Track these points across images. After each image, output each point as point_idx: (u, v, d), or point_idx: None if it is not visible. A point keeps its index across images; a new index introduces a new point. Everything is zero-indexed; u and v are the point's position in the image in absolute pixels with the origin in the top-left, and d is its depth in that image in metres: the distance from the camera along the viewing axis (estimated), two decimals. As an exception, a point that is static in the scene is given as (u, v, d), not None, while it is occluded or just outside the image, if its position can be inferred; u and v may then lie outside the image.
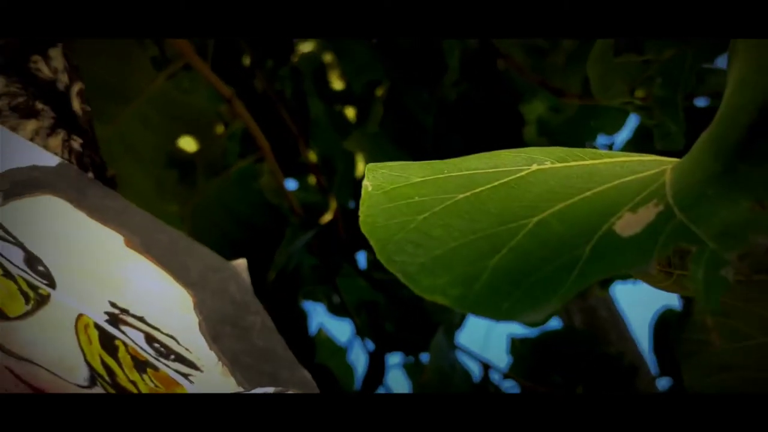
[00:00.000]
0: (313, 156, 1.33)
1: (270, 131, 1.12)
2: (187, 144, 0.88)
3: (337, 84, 1.52)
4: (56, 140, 0.36)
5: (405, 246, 0.17)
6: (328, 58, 1.50)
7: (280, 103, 1.21)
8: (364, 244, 1.43)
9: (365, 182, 0.20)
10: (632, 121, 1.41)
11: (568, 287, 0.13)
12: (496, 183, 0.18)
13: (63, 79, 0.44)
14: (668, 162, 0.17)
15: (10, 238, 0.27)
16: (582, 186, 0.17)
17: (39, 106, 0.36)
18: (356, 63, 1.46)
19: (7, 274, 0.25)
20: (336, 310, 1.55)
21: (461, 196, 0.18)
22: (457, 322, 1.18)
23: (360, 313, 1.31)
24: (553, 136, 1.52)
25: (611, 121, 1.40)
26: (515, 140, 1.38)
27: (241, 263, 0.40)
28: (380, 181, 0.20)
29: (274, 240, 1.07)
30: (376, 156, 1.29)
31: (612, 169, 0.17)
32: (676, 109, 0.39)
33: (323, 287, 1.47)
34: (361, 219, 0.19)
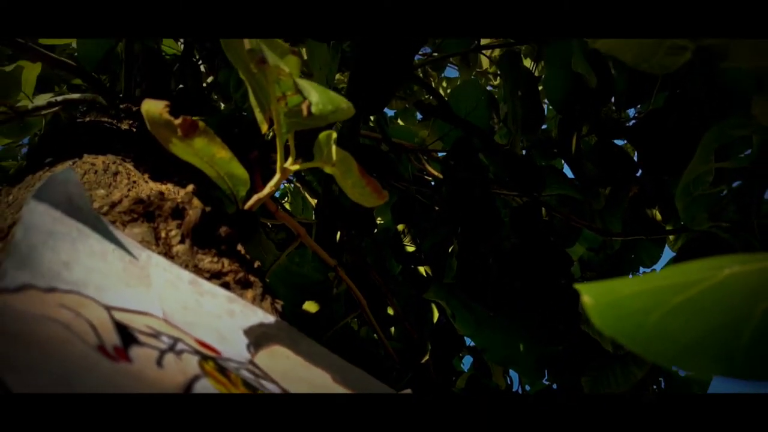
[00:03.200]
0: (397, 309, 1.34)
1: (364, 291, 1.15)
2: (309, 306, 0.92)
3: (409, 247, 1.57)
4: (267, 304, 0.39)
5: (652, 342, 0.19)
6: (400, 227, 1.57)
7: (371, 268, 1.26)
8: (451, 383, 1.39)
9: (585, 298, 0.22)
10: (667, 253, 1.40)
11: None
12: (701, 287, 0.20)
13: (249, 258, 0.48)
14: None
15: (269, 379, 0.30)
16: (781, 280, 0.19)
17: (251, 278, 0.40)
18: (422, 227, 1.52)
19: (279, 407, 0.27)
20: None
21: (678, 299, 0.20)
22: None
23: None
24: (598, 270, 1.51)
25: (648, 253, 1.39)
26: (567, 278, 1.38)
27: (408, 391, 0.41)
28: (596, 296, 0.21)
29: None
30: (452, 303, 1.30)
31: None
32: (753, 228, 0.41)
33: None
34: (598, 325, 0.20)
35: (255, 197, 0.46)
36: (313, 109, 0.34)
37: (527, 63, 1.58)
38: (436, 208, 1.50)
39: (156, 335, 0.25)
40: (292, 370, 0.32)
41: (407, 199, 1.53)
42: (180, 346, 0.25)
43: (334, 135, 0.42)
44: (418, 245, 1.56)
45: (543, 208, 1.29)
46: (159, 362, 0.23)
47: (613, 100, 1.25)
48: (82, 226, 0.29)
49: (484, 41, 1.40)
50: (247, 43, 0.30)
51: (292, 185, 2.19)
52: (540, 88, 1.29)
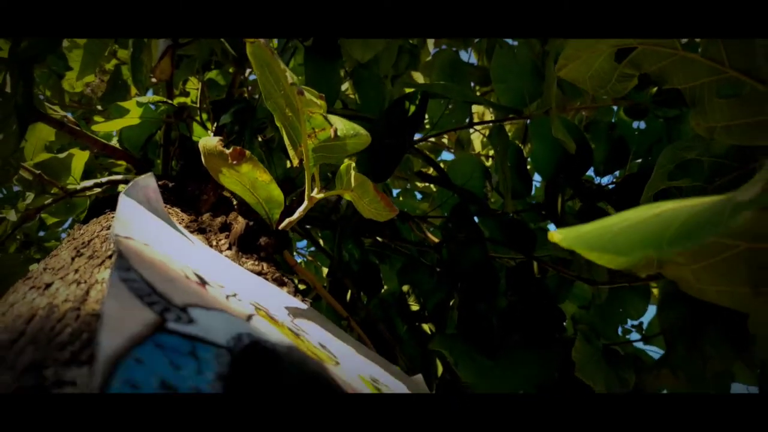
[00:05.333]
0: (403, 363, 1.35)
1: (375, 341, 1.17)
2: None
3: (414, 306, 1.60)
4: (299, 297, 0.43)
5: (608, 246, 0.23)
6: (405, 288, 1.59)
7: (378, 321, 1.29)
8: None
9: (556, 236, 0.26)
10: (652, 306, 1.42)
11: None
12: (642, 218, 0.25)
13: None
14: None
15: (307, 335, 0.33)
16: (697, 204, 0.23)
17: (286, 279, 0.44)
18: (424, 289, 1.55)
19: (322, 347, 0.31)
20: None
21: (624, 225, 0.25)
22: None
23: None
24: (589, 325, 1.52)
25: (635, 307, 1.41)
26: (560, 332, 1.39)
27: (419, 376, 0.44)
28: (563, 234, 0.26)
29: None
30: (454, 352, 1.31)
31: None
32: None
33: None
34: (565, 246, 0.25)
35: (287, 220, 0.51)
36: (339, 133, 0.40)
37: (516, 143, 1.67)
38: (438, 269, 1.54)
39: (222, 287, 0.29)
40: (324, 338, 0.36)
41: (411, 261, 1.57)
42: (239, 296, 0.30)
43: (353, 164, 0.47)
44: (422, 304, 1.59)
45: (536, 263, 1.33)
46: (227, 299, 0.27)
47: (593, 169, 1.33)
48: (158, 220, 0.34)
49: (476, 119, 1.50)
50: (290, 78, 0.37)
51: (305, 259, 2.25)
52: (529, 167, 1.38)
